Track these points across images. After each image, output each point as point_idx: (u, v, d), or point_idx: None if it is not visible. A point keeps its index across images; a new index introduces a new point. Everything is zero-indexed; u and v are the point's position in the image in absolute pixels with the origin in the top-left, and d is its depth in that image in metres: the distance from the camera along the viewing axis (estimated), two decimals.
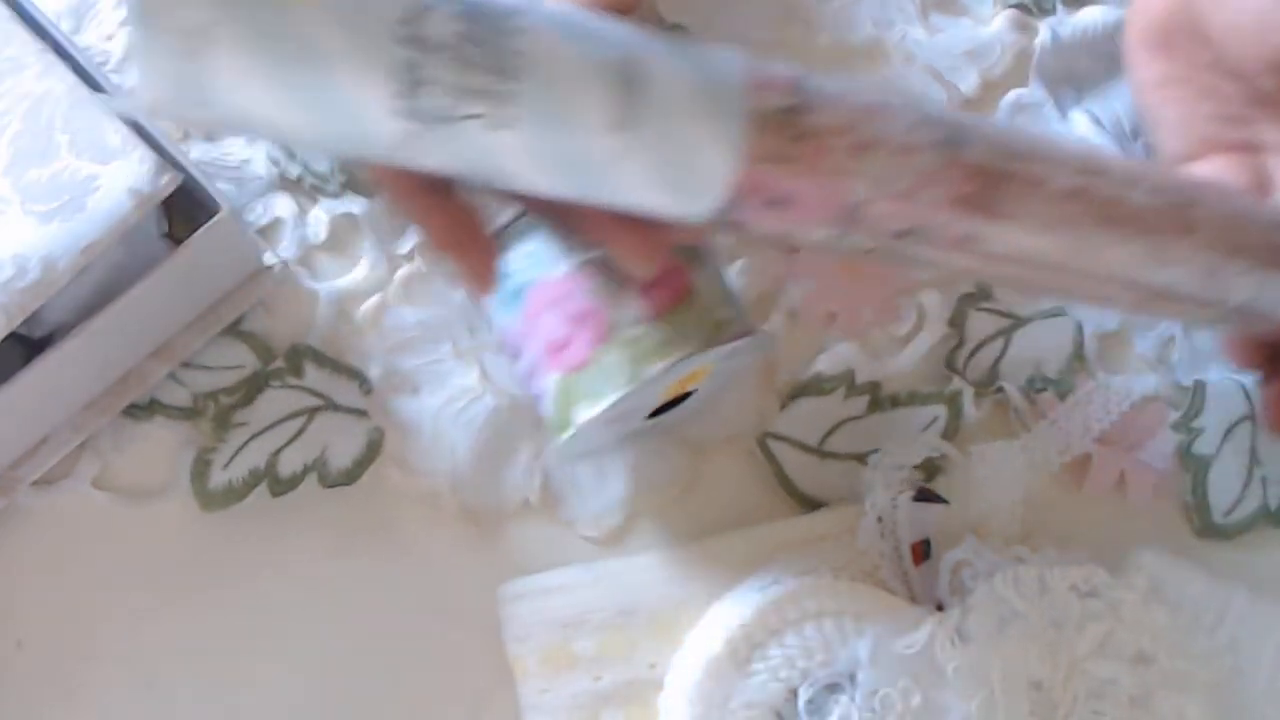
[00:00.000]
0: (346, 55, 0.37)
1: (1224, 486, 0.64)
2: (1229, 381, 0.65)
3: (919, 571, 0.56)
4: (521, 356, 0.56)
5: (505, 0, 0.39)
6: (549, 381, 0.55)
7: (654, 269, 0.48)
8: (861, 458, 0.61)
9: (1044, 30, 0.73)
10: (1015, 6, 0.74)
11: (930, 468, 0.62)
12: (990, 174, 0.45)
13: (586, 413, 0.53)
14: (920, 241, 0.46)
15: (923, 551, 0.57)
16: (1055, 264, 0.48)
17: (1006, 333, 0.65)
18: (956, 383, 0.64)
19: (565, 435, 0.54)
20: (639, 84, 0.41)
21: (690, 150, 0.42)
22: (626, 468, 0.63)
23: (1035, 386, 0.64)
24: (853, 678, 0.53)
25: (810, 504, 0.62)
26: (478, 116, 0.39)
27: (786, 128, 0.43)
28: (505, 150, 0.40)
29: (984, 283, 0.62)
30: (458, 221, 0.47)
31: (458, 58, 0.38)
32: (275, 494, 0.61)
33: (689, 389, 0.58)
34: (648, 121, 0.41)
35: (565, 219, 0.49)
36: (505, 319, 0.56)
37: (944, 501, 0.58)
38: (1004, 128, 0.47)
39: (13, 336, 0.55)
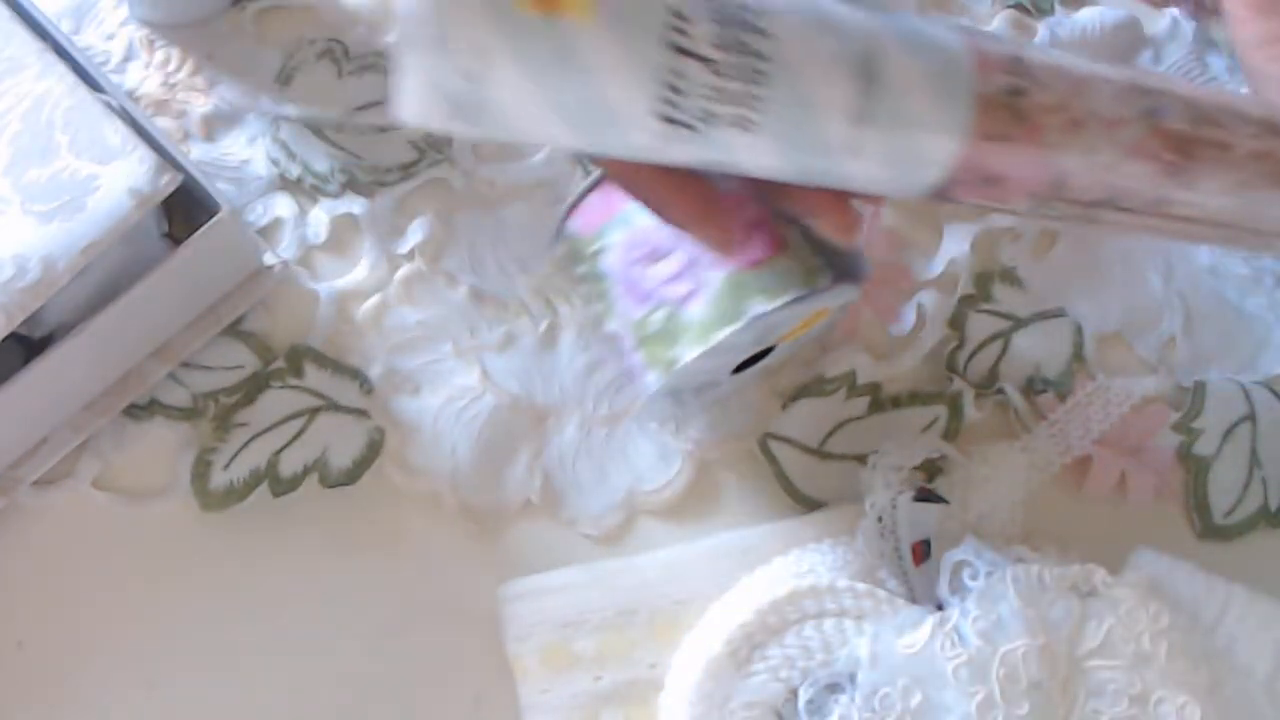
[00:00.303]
0: (617, 70, 0.41)
1: (1224, 487, 0.64)
2: (1229, 382, 0.65)
3: (919, 571, 0.56)
4: (670, 255, 0.55)
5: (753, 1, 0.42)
6: (714, 276, 0.54)
7: (855, 241, 0.50)
8: (862, 459, 0.61)
9: (1043, 30, 0.74)
10: (1014, 6, 0.75)
11: (930, 468, 0.61)
12: (1186, 141, 0.47)
13: (764, 306, 0.52)
14: (1112, 208, 0.48)
15: (923, 551, 0.57)
16: (1228, 222, 0.49)
17: (1006, 334, 0.66)
18: (957, 384, 0.64)
19: (734, 326, 0.52)
20: (877, 76, 0.43)
21: (920, 135, 0.44)
22: (628, 467, 0.63)
23: (1035, 388, 0.64)
24: (853, 678, 0.52)
25: (811, 505, 0.62)
26: (730, 119, 0.42)
27: (1008, 108, 0.45)
28: (750, 146, 0.43)
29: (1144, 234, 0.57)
30: (698, 197, 0.49)
31: (714, 66, 0.41)
32: (276, 494, 0.61)
33: (795, 336, 0.59)
34: (883, 112, 0.43)
35: (768, 190, 0.50)
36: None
37: (944, 501, 0.58)
38: (1191, 88, 0.49)
39: (13, 336, 0.55)
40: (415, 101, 0.40)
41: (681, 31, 0.41)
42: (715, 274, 0.54)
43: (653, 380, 0.55)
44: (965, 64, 0.44)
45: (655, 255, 0.55)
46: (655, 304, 0.55)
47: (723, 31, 0.41)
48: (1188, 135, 0.47)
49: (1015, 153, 0.45)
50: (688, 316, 0.54)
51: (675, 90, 0.42)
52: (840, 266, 0.54)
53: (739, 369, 0.60)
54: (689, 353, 0.53)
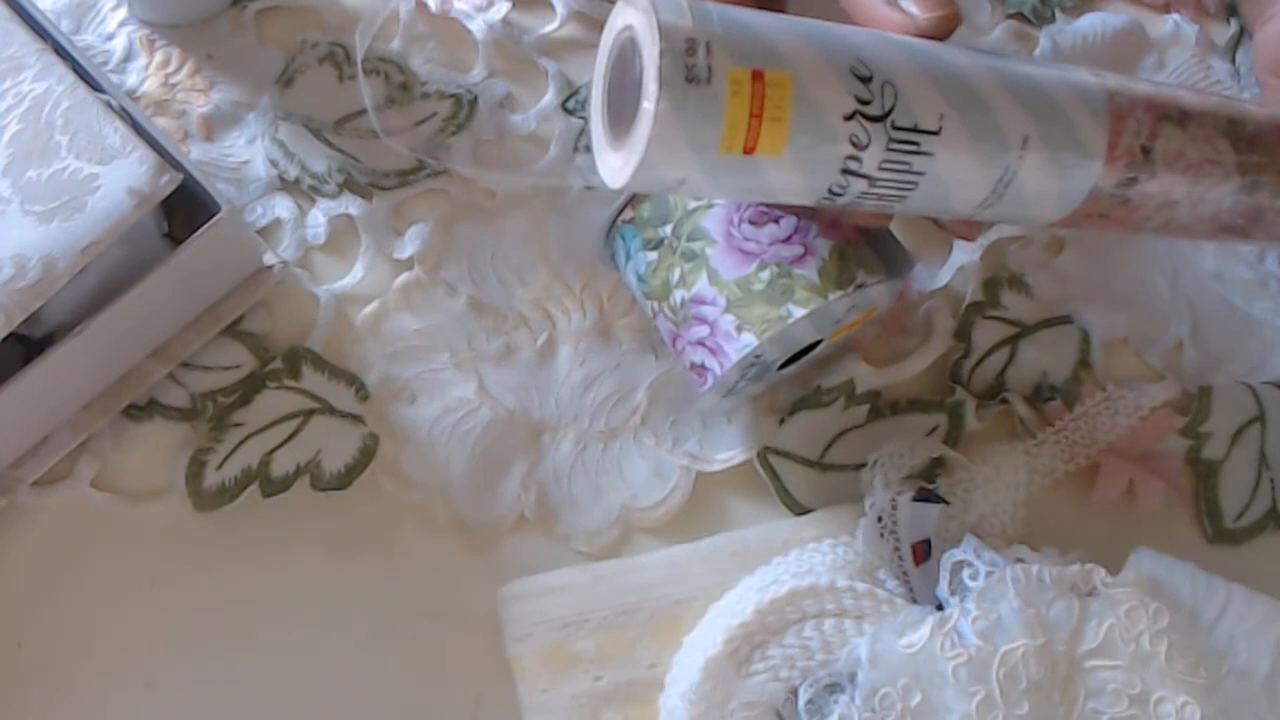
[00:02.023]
0: (793, 188, 0.49)
1: (1234, 490, 0.63)
2: (1237, 384, 0.65)
3: (919, 571, 0.56)
4: (779, 218, 0.58)
5: (922, 125, 0.48)
6: (821, 243, 0.57)
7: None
8: (863, 468, 0.61)
9: (1044, 39, 0.73)
10: (1014, 16, 0.75)
11: (932, 469, 0.61)
12: (1258, 184, 0.54)
13: (869, 280, 0.57)
14: (1181, 230, 0.55)
15: (923, 551, 0.57)
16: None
17: (1013, 341, 0.65)
18: (959, 394, 0.64)
19: (844, 291, 0.56)
20: (1011, 182, 0.50)
21: (1035, 209, 0.52)
22: (623, 483, 0.63)
23: (1042, 395, 0.64)
24: (853, 678, 0.52)
25: None
26: (873, 207, 0.51)
27: (1136, 158, 0.51)
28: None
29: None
30: None
31: (874, 181, 0.48)
32: (266, 494, 0.61)
33: (843, 334, 0.61)
34: (1005, 205, 0.51)
35: None
36: None
37: (944, 501, 0.58)
38: (1268, 117, 0.55)
39: (13, 336, 0.55)
40: (616, 184, 0.48)
41: (856, 159, 0.47)
42: (823, 241, 0.57)
43: (746, 341, 0.56)
44: (1104, 111, 0.51)
45: (762, 217, 0.58)
46: (762, 263, 0.57)
47: (889, 156, 0.48)
48: (1260, 184, 0.54)
49: (1132, 200, 0.53)
50: (800, 275, 0.56)
51: (835, 194, 0.49)
52: (894, 261, 0.59)
53: (784, 365, 0.61)
54: (801, 310, 0.55)
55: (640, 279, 0.60)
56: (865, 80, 0.46)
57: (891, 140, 0.47)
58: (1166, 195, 0.53)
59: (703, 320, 0.57)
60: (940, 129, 0.48)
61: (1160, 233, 0.55)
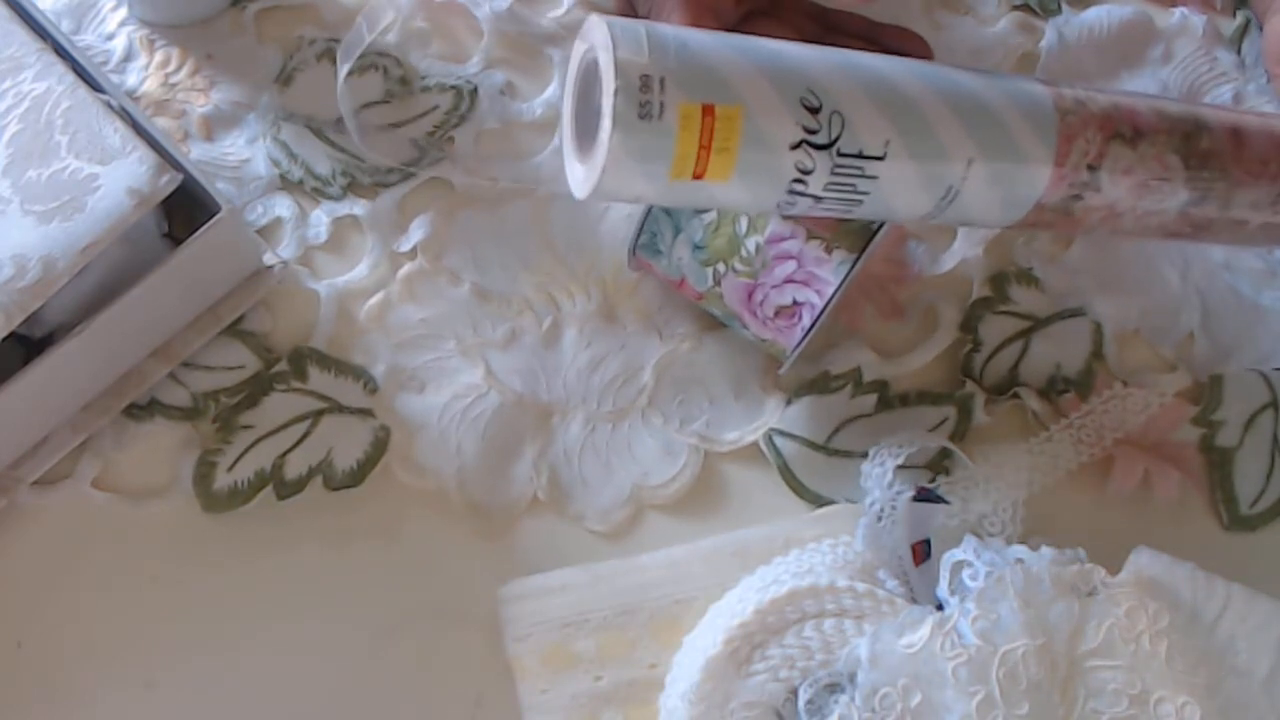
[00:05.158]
0: (740, 207, 0.56)
1: (1249, 477, 0.64)
2: (1248, 372, 0.65)
3: (919, 571, 0.56)
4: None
5: (868, 152, 0.50)
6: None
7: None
8: (868, 456, 0.61)
9: (1050, 31, 0.73)
10: (1020, 7, 0.75)
11: (936, 467, 0.61)
12: (1207, 198, 0.55)
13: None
14: (1126, 235, 0.59)
15: (923, 551, 0.57)
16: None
17: (1026, 334, 0.65)
18: (969, 386, 0.64)
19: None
20: (955, 198, 0.52)
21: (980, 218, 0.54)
22: (633, 462, 0.63)
23: (1056, 388, 0.64)
24: (853, 678, 0.52)
25: (816, 499, 0.62)
26: (822, 214, 0.53)
27: (1082, 176, 0.53)
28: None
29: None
30: None
31: (821, 200, 0.51)
32: (281, 497, 0.61)
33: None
34: (949, 215, 0.53)
35: None
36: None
37: (944, 501, 0.58)
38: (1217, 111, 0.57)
39: (13, 336, 0.55)
40: (580, 194, 0.50)
41: (802, 182, 0.49)
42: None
43: (841, 258, 0.57)
44: (1053, 127, 0.52)
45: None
46: None
47: (835, 179, 0.50)
48: (1203, 214, 0.56)
49: (1077, 214, 0.54)
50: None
51: (782, 208, 0.51)
52: None
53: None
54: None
55: (698, 246, 0.60)
56: (814, 110, 0.48)
57: (836, 165, 0.49)
58: (1111, 209, 0.54)
59: (786, 256, 0.58)
60: (885, 154, 0.50)
61: (1106, 235, 0.58)
